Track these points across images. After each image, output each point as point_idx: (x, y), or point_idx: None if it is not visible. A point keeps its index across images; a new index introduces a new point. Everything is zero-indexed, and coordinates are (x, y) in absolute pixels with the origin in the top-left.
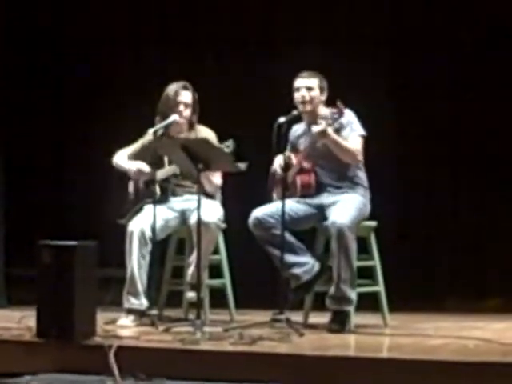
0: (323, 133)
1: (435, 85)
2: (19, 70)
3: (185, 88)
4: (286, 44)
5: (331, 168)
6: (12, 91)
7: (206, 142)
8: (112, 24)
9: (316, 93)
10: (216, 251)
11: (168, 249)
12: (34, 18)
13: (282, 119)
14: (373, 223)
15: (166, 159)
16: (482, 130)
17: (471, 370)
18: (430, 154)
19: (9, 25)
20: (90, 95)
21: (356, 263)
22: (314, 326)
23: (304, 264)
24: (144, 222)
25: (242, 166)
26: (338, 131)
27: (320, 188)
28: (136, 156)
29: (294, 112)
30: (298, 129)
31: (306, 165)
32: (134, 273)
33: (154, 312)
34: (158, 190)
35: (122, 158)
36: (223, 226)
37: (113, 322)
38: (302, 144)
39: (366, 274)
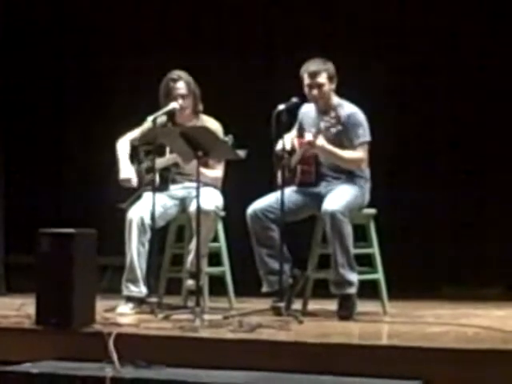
0: (311, 144)
1: (436, 83)
2: (19, 70)
3: (174, 80)
4: (285, 38)
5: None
6: (12, 89)
7: (204, 129)
8: (112, 23)
9: (326, 87)
10: (215, 239)
11: (167, 236)
12: (34, 17)
13: (281, 106)
14: (372, 211)
15: (167, 148)
16: (481, 126)
17: (471, 357)
18: (431, 144)
19: (9, 23)
20: (89, 92)
21: (354, 250)
22: (313, 314)
23: (282, 273)
24: (143, 210)
25: (242, 153)
26: (341, 134)
27: (319, 178)
28: (139, 140)
29: (294, 99)
30: (308, 110)
31: (308, 153)
32: (134, 260)
33: (154, 299)
34: (157, 178)
35: (123, 151)
36: (222, 213)
37: (112, 309)
38: (308, 129)
39: (366, 261)
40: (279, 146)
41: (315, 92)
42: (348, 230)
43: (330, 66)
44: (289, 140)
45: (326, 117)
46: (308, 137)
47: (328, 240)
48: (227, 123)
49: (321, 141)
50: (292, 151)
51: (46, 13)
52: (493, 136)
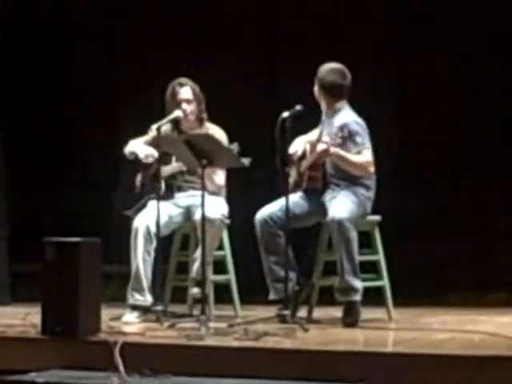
0: (325, 152)
1: (436, 84)
2: (20, 72)
3: (180, 85)
4: (288, 41)
5: (337, 166)
6: (13, 91)
7: (209, 137)
8: (112, 24)
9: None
10: (220, 247)
11: (173, 245)
12: (34, 16)
13: (285, 114)
14: (377, 218)
15: (173, 156)
16: (482, 127)
17: (477, 363)
18: (435, 149)
19: (9, 23)
20: (90, 94)
21: (359, 257)
22: (318, 321)
23: (288, 280)
24: (149, 219)
25: (246, 161)
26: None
27: (325, 186)
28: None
29: (298, 107)
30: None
31: (319, 160)
32: (139, 269)
33: (159, 308)
34: (163, 186)
35: (135, 144)
36: (227, 221)
37: (117, 318)
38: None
39: (371, 268)
40: (292, 148)
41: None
42: (354, 237)
43: (326, 75)
44: (301, 143)
45: (330, 129)
46: (321, 147)
47: (334, 247)
48: (230, 129)
49: (334, 148)
50: (303, 156)
51: (45, 14)
52: (494, 137)
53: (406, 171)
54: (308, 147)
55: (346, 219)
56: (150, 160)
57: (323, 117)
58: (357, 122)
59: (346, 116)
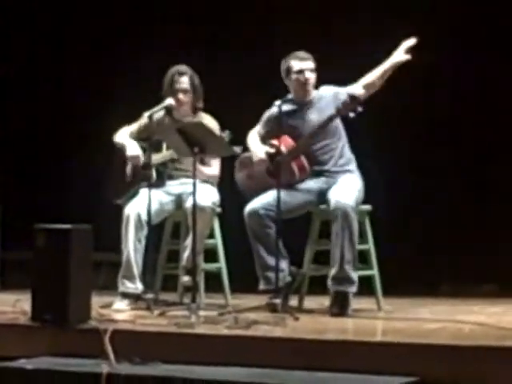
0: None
1: (437, 75)
2: (19, 65)
3: (180, 74)
4: (286, 33)
5: (327, 153)
6: (12, 85)
7: (200, 125)
8: (111, 22)
9: (315, 74)
10: (211, 235)
11: (164, 232)
12: (33, 16)
13: (277, 102)
14: (367, 207)
15: (164, 143)
16: (482, 118)
17: (467, 353)
18: (430, 136)
19: (7, 21)
20: (88, 91)
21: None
22: (309, 311)
23: (280, 270)
24: (140, 206)
25: (237, 149)
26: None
27: (315, 171)
28: (136, 136)
29: (290, 95)
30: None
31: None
32: (130, 257)
33: (150, 296)
34: (154, 174)
35: (124, 135)
36: (218, 210)
37: (108, 305)
38: (295, 125)
39: (361, 258)
40: (260, 152)
41: (309, 75)
42: (357, 227)
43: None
44: (262, 147)
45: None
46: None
47: (335, 235)
48: (224, 117)
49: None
50: (277, 153)
51: (44, 13)
52: (494, 135)
53: (401, 158)
54: (281, 144)
55: (351, 207)
56: (134, 163)
57: (288, 110)
58: (328, 87)
59: (322, 90)
